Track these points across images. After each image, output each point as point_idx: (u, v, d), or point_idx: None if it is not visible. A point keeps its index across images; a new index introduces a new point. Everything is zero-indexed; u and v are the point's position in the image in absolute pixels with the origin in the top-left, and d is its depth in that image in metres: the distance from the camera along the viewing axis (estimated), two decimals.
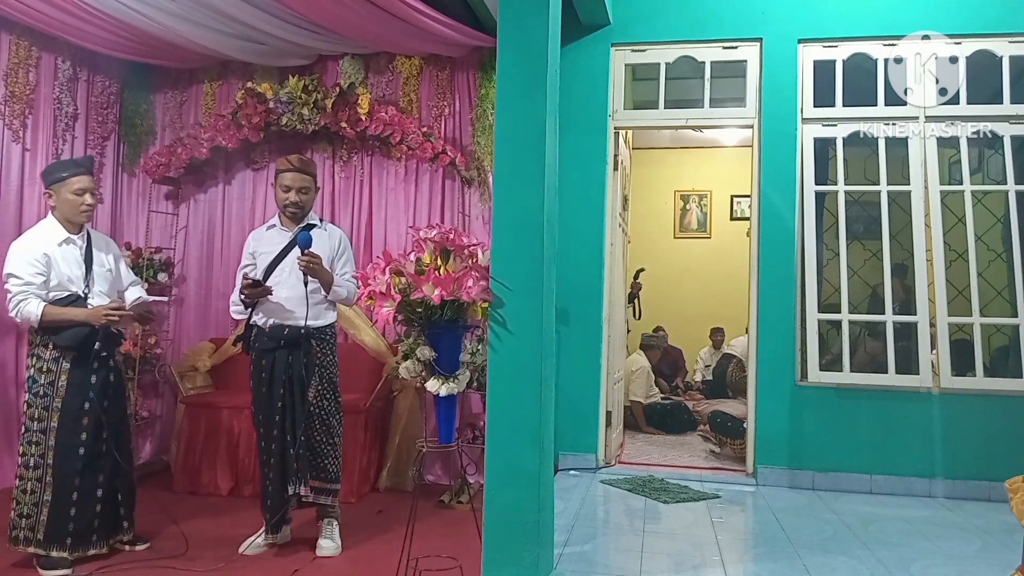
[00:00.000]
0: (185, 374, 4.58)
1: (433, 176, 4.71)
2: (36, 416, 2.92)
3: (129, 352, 3.39)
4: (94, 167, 3.22)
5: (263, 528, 3.24)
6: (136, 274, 3.64)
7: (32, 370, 2.94)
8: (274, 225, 3.32)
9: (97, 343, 2.93)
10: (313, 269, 3.04)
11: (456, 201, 4.68)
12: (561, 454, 4.51)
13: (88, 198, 3.00)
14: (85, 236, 3.10)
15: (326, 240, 3.25)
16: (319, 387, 3.19)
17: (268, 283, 3.15)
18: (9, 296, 2.88)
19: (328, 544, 3.20)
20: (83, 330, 2.91)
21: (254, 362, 3.21)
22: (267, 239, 3.28)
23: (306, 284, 3.05)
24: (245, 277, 3.16)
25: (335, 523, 3.28)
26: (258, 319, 3.19)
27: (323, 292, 3.16)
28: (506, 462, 2.58)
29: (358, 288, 3.14)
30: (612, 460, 4.73)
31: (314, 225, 3.27)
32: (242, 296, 3.15)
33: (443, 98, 4.71)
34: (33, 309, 2.85)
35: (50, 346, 2.93)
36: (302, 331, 3.13)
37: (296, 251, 3.11)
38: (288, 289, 3.15)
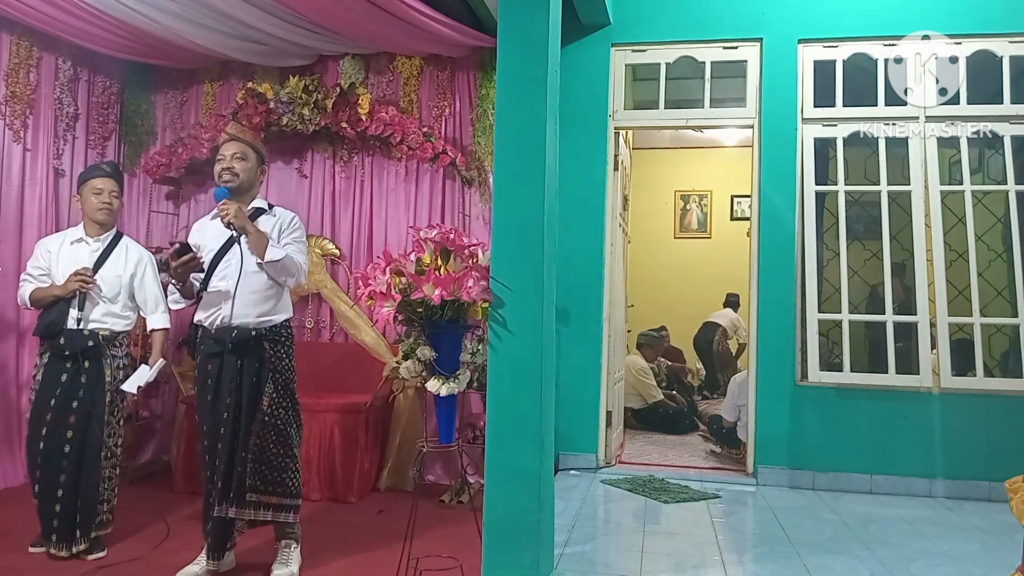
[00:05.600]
0: (185, 374, 4.58)
1: (433, 176, 4.71)
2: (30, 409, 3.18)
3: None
4: (119, 172, 3.38)
5: (203, 553, 2.85)
6: None
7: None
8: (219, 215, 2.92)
9: (62, 339, 3.06)
10: (239, 221, 2.70)
11: (456, 201, 4.68)
12: (561, 454, 4.51)
13: (104, 197, 3.19)
14: (108, 240, 3.25)
15: (274, 222, 2.92)
16: (273, 395, 2.86)
17: (213, 278, 2.84)
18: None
19: (283, 571, 2.84)
20: (49, 317, 3.10)
21: (199, 367, 2.89)
22: (211, 230, 2.92)
23: (238, 241, 2.76)
24: (169, 246, 2.70)
25: (294, 546, 2.95)
26: (202, 317, 2.88)
27: (265, 272, 2.82)
28: (506, 462, 2.58)
29: (304, 265, 2.89)
30: (612, 460, 4.73)
31: (263, 210, 2.94)
32: (172, 279, 2.78)
33: (443, 98, 4.72)
34: (24, 292, 3.18)
35: (39, 344, 3.19)
36: (253, 331, 2.81)
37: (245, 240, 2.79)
38: (237, 285, 2.80)
